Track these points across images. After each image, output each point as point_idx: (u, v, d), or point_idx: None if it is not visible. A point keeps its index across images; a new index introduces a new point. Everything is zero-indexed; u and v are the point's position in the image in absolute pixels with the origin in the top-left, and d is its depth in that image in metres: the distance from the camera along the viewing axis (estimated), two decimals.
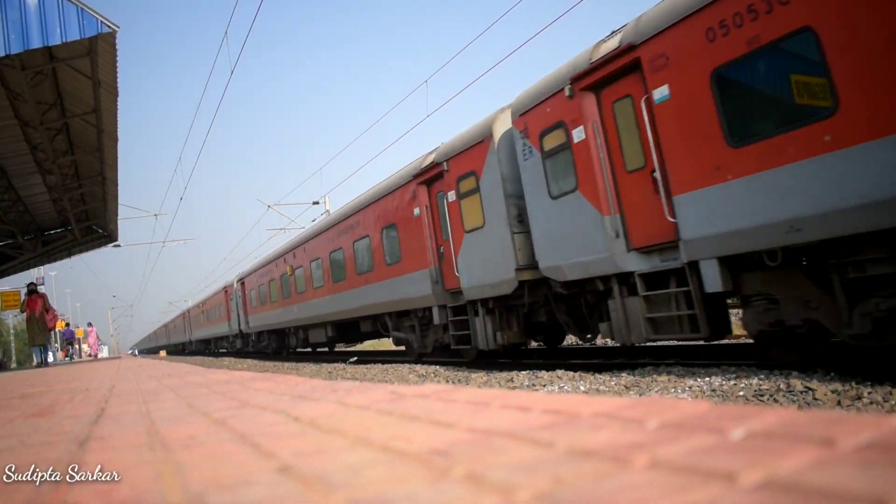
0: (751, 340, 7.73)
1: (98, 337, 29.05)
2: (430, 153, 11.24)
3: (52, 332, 22.54)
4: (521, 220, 8.97)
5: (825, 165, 5.07)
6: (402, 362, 13.53)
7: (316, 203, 26.22)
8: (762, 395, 5.23)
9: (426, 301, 11.47)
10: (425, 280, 11.33)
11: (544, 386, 7.17)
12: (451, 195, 10.33)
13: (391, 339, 14.60)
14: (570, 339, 13.49)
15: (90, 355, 27.34)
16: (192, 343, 47.45)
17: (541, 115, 8.19)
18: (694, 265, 6.33)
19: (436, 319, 11.35)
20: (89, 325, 29.79)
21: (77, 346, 28.32)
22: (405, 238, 12.03)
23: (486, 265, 9.55)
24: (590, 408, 1.35)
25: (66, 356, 29.03)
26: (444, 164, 10.38)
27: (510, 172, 9.08)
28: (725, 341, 10.27)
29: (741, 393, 5.41)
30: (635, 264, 7.13)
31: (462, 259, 10.16)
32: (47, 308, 17.04)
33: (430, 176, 11.00)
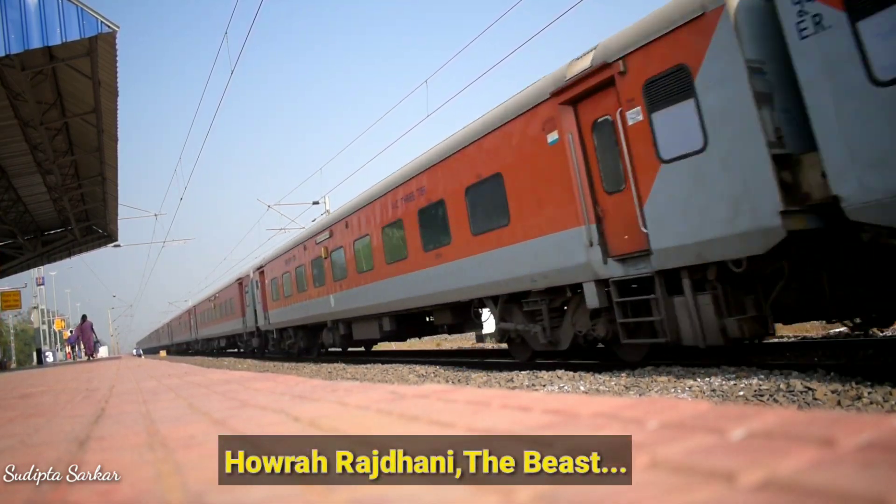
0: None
1: (93, 331, 23.67)
2: (240, 272, 27.10)
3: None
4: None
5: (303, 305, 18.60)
6: (402, 362, 13.58)
7: (316, 203, 26.24)
8: (762, 395, 5.23)
9: (241, 331, 27.34)
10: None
11: (544, 386, 7.17)
12: (245, 289, 26.72)
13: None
14: None
15: (87, 355, 23.51)
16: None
17: (255, 274, 23.01)
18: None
19: (244, 338, 26.81)
20: (83, 318, 24.32)
21: (79, 347, 27.49)
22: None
23: (251, 321, 25.00)
24: (590, 408, 1.35)
25: (72, 357, 29.02)
26: (242, 279, 25.41)
27: (254, 289, 23.67)
28: None
29: (741, 393, 5.41)
30: (269, 327, 23.66)
31: (247, 317, 25.94)
32: None
33: (239, 281, 26.69)
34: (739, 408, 1.13)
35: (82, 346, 23.78)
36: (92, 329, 23.44)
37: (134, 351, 77.08)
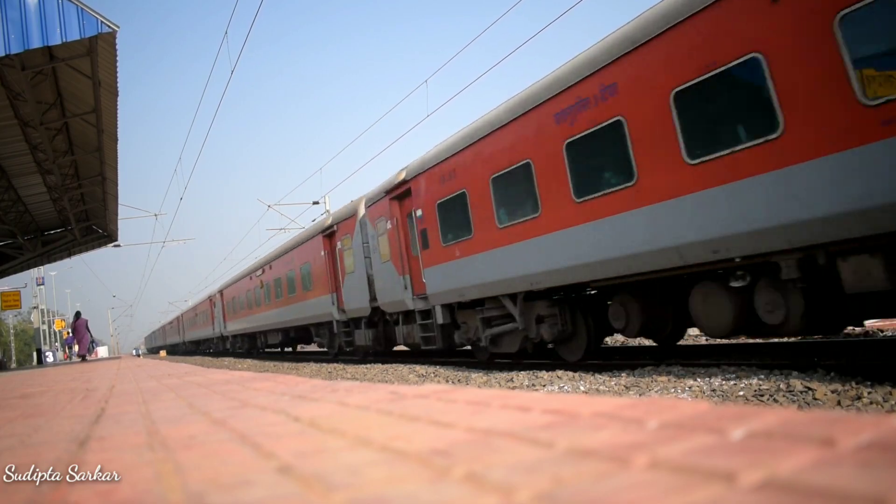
0: (751, 341, 9.20)
1: (88, 330, 20.91)
2: (329, 218, 16.80)
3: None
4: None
5: (491, 257, 9.45)
6: (403, 363, 13.57)
7: (316, 203, 26.21)
8: (762, 395, 5.23)
9: (329, 316, 16.80)
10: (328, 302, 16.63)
11: (544, 386, 7.17)
12: (339, 245, 15.69)
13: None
14: None
15: (79, 356, 21.12)
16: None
17: (375, 209, 13.21)
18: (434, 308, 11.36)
19: (335, 329, 16.79)
20: (77, 315, 21.50)
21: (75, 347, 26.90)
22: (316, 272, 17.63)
23: (357, 296, 14.60)
24: (590, 408, 1.35)
25: (68, 358, 29.07)
26: (335, 226, 15.77)
27: (366, 239, 14.03)
28: (725, 342, 10.29)
29: (741, 393, 5.41)
30: (415, 304, 11.96)
31: (345, 291, 15.38)
32: None
33: (328, 232, 16.28)
34: (739, 408, 1.13)
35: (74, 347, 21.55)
36: (87, 327, 21.10)
37: (133, 351, 76.88)
